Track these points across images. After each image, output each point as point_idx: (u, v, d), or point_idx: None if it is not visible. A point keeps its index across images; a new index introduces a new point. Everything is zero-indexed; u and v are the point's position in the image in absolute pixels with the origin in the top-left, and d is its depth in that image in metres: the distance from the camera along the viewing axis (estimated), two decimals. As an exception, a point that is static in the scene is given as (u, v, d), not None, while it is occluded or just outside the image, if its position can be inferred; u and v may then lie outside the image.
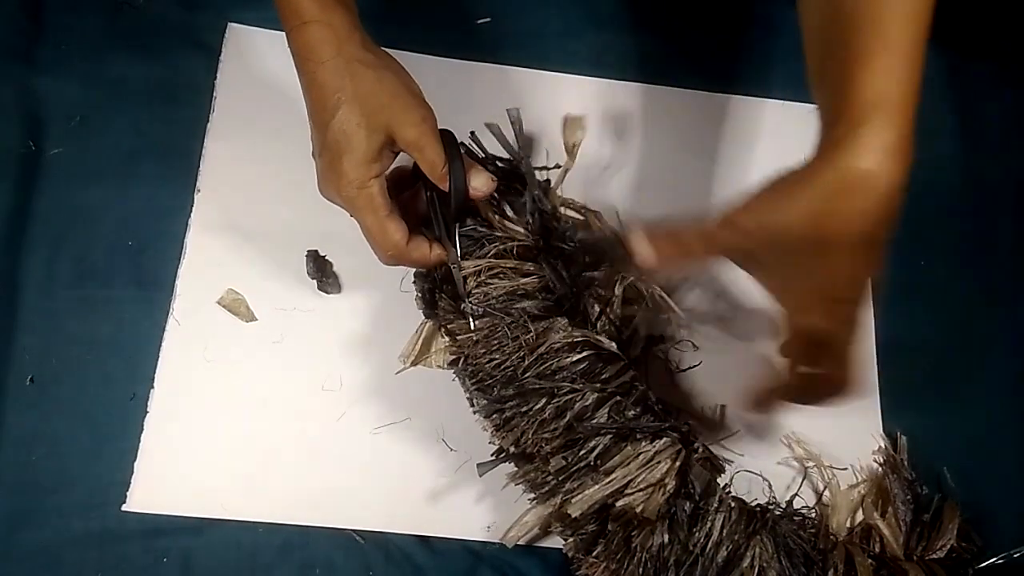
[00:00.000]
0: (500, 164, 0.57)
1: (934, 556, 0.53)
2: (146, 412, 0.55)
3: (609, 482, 0.46)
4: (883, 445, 0.60)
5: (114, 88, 0.62)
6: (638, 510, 0.46)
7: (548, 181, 0.55)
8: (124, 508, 0.53)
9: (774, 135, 0.67)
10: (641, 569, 0.47)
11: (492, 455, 0.53)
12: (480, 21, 0.67)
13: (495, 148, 0.59)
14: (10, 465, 0.53)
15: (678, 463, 0.47)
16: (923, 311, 0.65)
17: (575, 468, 0.47)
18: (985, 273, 0.67)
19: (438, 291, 0.53)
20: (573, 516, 0.46)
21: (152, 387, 0.55)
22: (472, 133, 0.57)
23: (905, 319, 0.65)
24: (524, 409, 0.48)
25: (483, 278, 0.51)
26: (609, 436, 0.47)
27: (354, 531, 0.55)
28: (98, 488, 0.53)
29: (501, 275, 0.51)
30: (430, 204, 0.51)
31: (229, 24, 0.64)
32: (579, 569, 0.49)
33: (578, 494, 0.46)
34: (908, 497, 0.56)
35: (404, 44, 0.66)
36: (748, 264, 0.42)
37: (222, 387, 0.56)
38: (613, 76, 0.68)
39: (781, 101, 0.68)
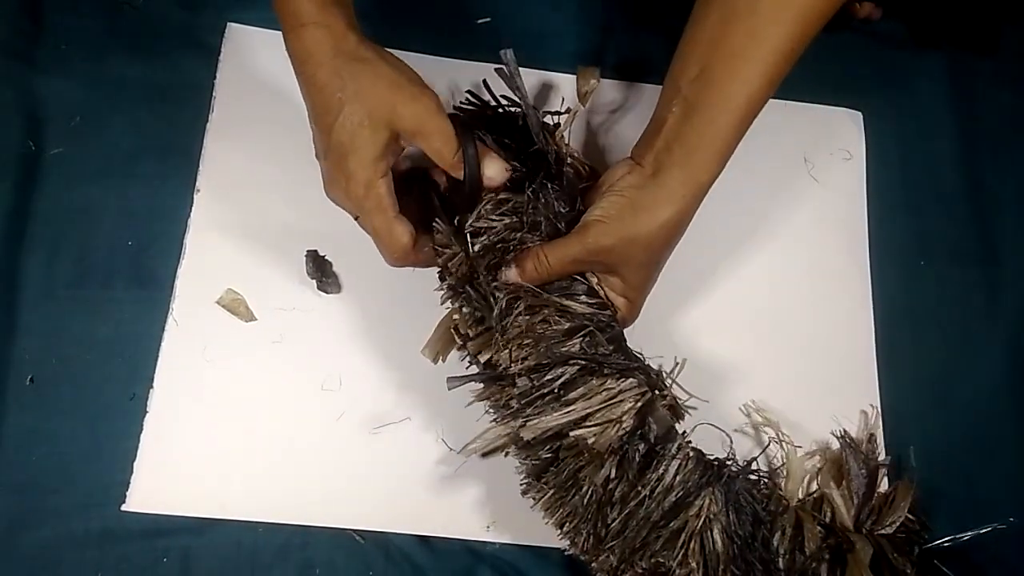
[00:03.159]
0: (507, 108, 0.56)
1: (883, 531, 0.54)
2: (146, 412, 0.55)
3: (567, 412, 0.46)
4: (840, 424, 0.61)
5: (114, 88, 0.62)
6: (590, 442, 0.46)
7: (558, 125, 0.55)
8: (124, 508, 0.53)
9: (773, 133, 0.67)
10: (585, 500, 0.47)
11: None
12: (480, 21, 0.67)
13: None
14: (10, 465, 0.53)
15: (640, 404, 0.47)
16: (923, 311, 0.65)
17: (539, 394, 0.47)
18: (985, 273, 0.67)
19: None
20: (527, 439, 0.47)
21: (152, 387, 0.55)
22: (484, 80, 0.57)
23: (905, 319, 0.65)
24: (506, 316, 0.49)
25: (484, 210, 0.51)
26: (577, 367, 0.47)
27: (354, 531, 0.55)
28: (98, 488, 0.53)
29: (502, 210, 0.51)
30: (430, 204, 0.50)
31: (229, 24, 0.64)
32: (528, 492, 0.50)
33: (535, 419, 0.47)
34: (863, 471, 0.56)
35: (404, 44, 0.66)
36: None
37: (222, 387, 0.56)
38: (613, 76, 0.68)
39: (782, 100, 0.68)
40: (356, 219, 0.50)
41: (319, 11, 0.46)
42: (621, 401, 0.47)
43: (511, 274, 0.49)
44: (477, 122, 0.54)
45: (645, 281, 0.51)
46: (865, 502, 0.55)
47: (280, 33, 0.47)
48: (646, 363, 0.50)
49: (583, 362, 0.48)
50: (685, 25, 0.50)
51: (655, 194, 0.48)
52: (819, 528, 0.52)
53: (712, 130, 0.47)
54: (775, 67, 0.47)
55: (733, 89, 0.47)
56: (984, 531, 0.58)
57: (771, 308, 0.63)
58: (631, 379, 0.48)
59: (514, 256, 0.49)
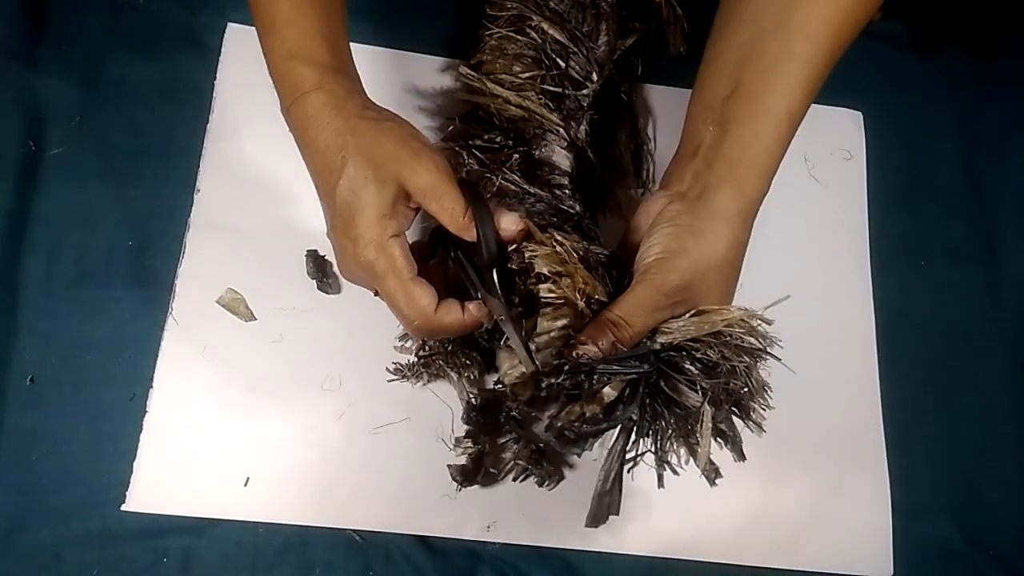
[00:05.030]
0: None
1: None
2: (146, 412, 0.55)
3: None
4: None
5: (114, 88, 0.62)
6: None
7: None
8: (124, 508, 0.53)
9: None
10: None
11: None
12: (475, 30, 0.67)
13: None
14: (10, 465, 0.53)
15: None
16: (923, 310, 0.65)
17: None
18: (985, 273, 0.67)
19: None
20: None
21: (152, 387, 0.55)
22: None
23: (905, 319, 0.65)
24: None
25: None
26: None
27: (354, 531, 0.55)
28: (98, 488, 0.53)
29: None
30: (457, 264, 0.47)
31: (229, 24, 0.64)
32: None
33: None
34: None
35: (405, 43, 0.66)
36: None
37: (221, 387, 0.56)
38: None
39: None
40: (376, 294, 0.47)
41: (321, 77, 0.44)
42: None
43: (590, 351, 0.43)
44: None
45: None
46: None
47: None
48: None
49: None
50: (706, 47, 0.50)
51: (711, 217, 0.45)
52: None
53: (756, 144, 0.46)
54: (812, 80, 0.46)
55: (773, 103, 0.45)
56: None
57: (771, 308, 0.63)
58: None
59: (585, 333, 0.44)
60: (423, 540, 0.55)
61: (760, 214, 0.55)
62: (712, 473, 0.46)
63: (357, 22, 0.64)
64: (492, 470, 0.55)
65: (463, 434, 0.55)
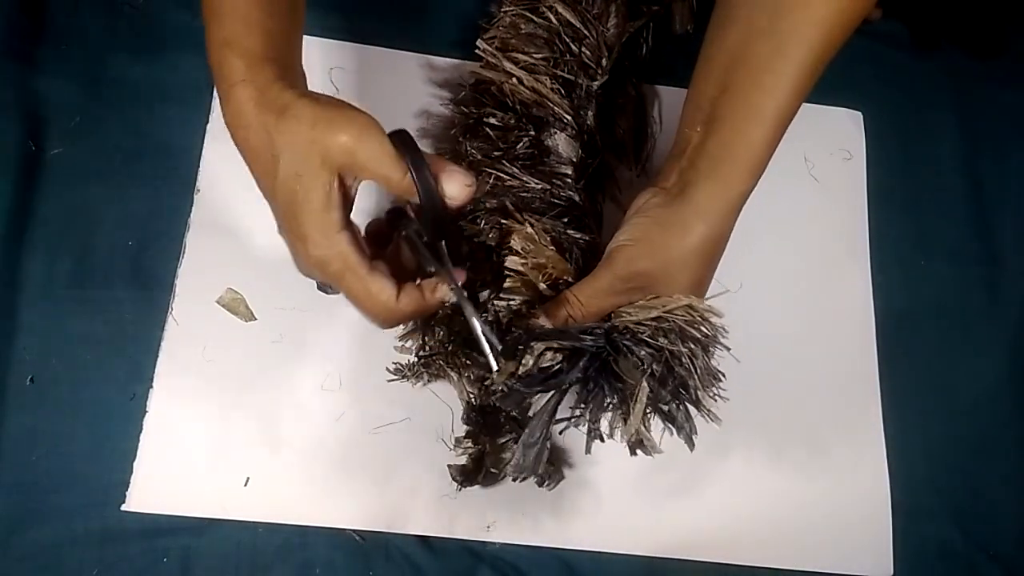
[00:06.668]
0: None
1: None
2: (146, 412, 0.55)
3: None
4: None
5: (114, 88, 0.62)
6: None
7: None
8: (124, 508, 0.53)
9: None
10: None
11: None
12: (481, 21, 0.67)
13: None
14: (10, 465, 0.53)
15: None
16: (923, 311, 0.65)
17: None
18: (985, 273, 0.67)
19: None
20: None
21: (152, 387, 0.55)
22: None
23: (905, 319, 0.65)
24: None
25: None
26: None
27: (354, 531, 0.55)
28: (98, 488, 0.53)
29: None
30: (409, 243, 0.45)
31: (229, 24, 0.64)
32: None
33: None
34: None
35: (403, 43, 0.66)
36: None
37: (221, 387, 0.56)
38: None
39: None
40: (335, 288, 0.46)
41: (248, 68, 0.42)
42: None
43: (541, 324, 0.46)
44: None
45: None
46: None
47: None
48: None
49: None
50: (700, 50, 0.50)
51: (683, 210, 0.45)
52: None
53: (739, 141, 0.46)
54: (803, 81, 0.46)
55: (760, 102, 0.45)
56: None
57: (771, 307, 0.63)
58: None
59: (543, 307, 0.47)
60: (423, 540, 0.55)
61: (760, 214, 0.56)
62: (636, 447, 0.47)
63: (357, 22, 0.64)
64: (492, 470, 0.55)
65: (463, 434, 0.55)
